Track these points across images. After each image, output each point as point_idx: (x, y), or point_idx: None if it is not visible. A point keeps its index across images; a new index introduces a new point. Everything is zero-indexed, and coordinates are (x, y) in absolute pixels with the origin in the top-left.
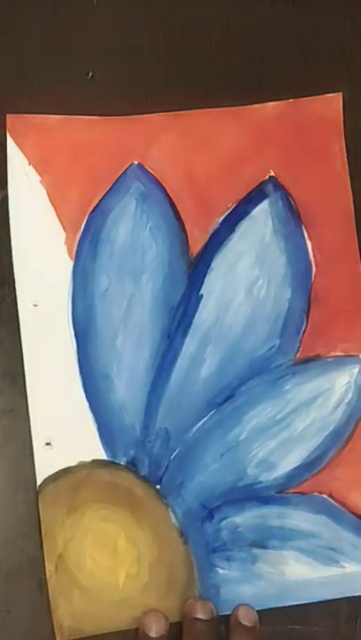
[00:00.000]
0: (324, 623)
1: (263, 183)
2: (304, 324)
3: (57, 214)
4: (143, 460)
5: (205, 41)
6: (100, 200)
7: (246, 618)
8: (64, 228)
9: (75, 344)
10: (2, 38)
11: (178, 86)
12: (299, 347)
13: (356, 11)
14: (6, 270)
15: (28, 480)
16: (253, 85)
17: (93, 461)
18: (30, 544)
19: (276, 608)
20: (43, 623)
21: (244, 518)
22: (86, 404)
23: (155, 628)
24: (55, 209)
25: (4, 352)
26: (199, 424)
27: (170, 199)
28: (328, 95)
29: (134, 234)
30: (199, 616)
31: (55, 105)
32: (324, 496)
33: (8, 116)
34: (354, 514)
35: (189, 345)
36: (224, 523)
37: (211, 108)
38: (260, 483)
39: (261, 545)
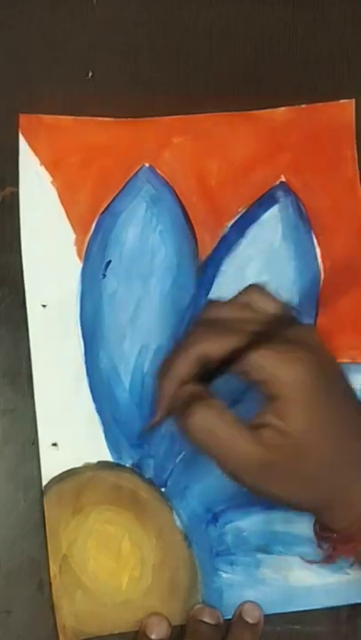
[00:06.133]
0: (324, 623)
1: (274, 188)
2: None
3: (67, 215)
4: (148, 463)
5: (205, 41)
6: (111, 202)
7: (250, 614)
8: (74, 230)
9: (82, 345)
10: (2, 38)
11: (177, 86)
12: None
13: (356, 11)
14: (6, 270)
15: (29, 480)
16: (253, 86)
17: (99, 463)
18: (31, 544)
19: None
20: (43, 623)
21: (249, 523)
22: (93, 406)
23: (156, 630)
24: (65, 210)
25: (4, 352)
26: None
27: (180, 202)
28: (340, 102)
29: (144, 236)
30: (206, 619)
31: (55, 105)
32: None
33: (21, 115)
34: None
35: None
36: (228, 527)
37: (210, 108)
38: None
39: (266, 550)
